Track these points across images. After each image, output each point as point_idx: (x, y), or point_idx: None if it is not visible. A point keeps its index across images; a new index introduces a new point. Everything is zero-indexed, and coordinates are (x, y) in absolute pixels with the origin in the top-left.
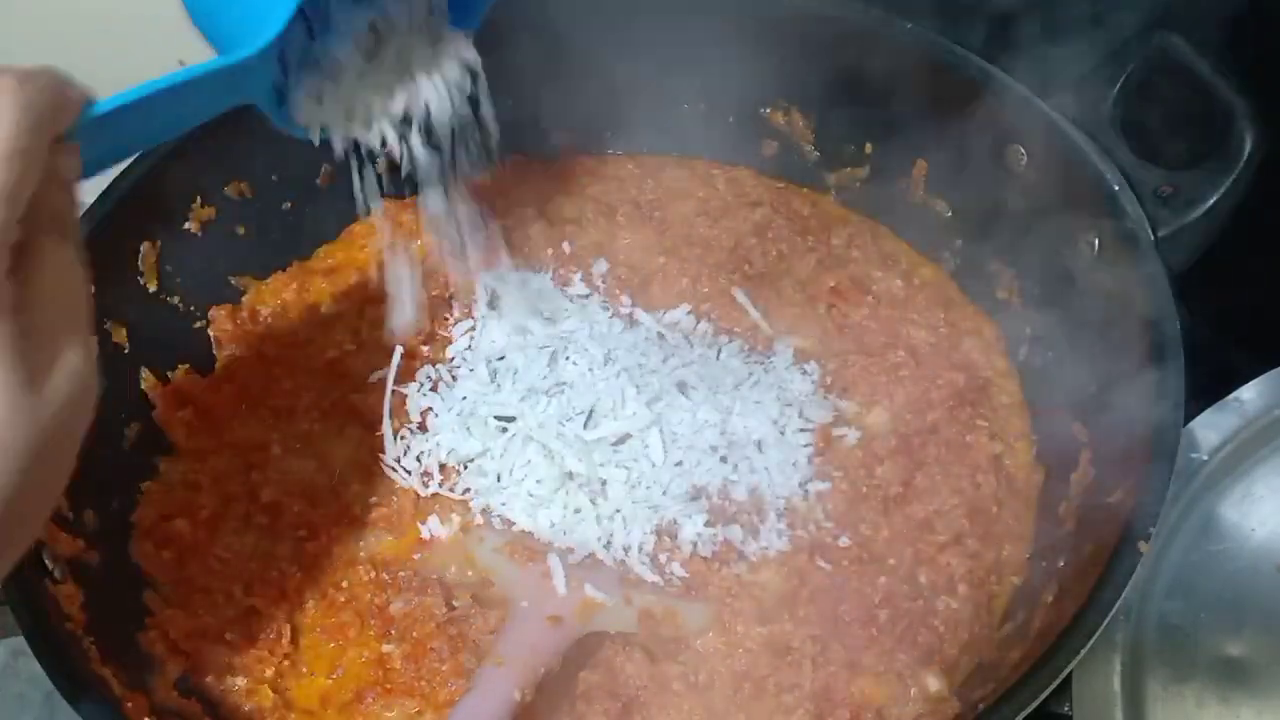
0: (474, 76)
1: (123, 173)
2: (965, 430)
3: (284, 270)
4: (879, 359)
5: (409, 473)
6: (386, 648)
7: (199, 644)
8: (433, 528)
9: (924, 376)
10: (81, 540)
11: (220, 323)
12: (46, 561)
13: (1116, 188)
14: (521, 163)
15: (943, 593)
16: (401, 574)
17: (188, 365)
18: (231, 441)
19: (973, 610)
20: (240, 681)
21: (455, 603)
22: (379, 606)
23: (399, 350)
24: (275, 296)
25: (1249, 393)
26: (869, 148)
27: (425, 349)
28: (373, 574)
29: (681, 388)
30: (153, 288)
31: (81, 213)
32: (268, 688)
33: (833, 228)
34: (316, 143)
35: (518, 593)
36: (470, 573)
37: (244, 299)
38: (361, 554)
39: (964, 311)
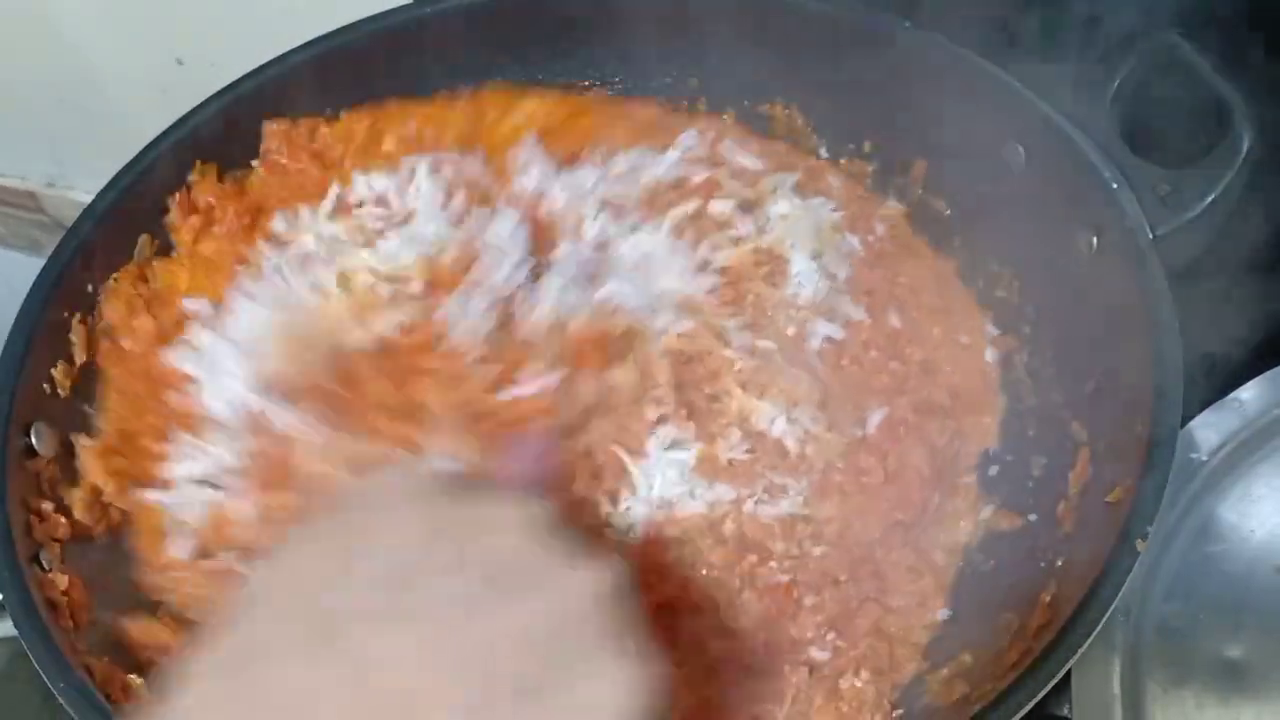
0: None
1: (124, 170)
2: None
3: None
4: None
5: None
6: None
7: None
8: None
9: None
10: (80, 540)
11: None
12: (43, 562)
13: (1115, 186)
14: None
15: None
16: None
17: None
18: None
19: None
20: None
21: None
22: None
23: None
24: None
25: (1249, 393)
26: (869, 147)
27: None
28: None
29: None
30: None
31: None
32: None
33: None
34: None
35: None
36: None
37: None
38: None
39: (964, 311)
